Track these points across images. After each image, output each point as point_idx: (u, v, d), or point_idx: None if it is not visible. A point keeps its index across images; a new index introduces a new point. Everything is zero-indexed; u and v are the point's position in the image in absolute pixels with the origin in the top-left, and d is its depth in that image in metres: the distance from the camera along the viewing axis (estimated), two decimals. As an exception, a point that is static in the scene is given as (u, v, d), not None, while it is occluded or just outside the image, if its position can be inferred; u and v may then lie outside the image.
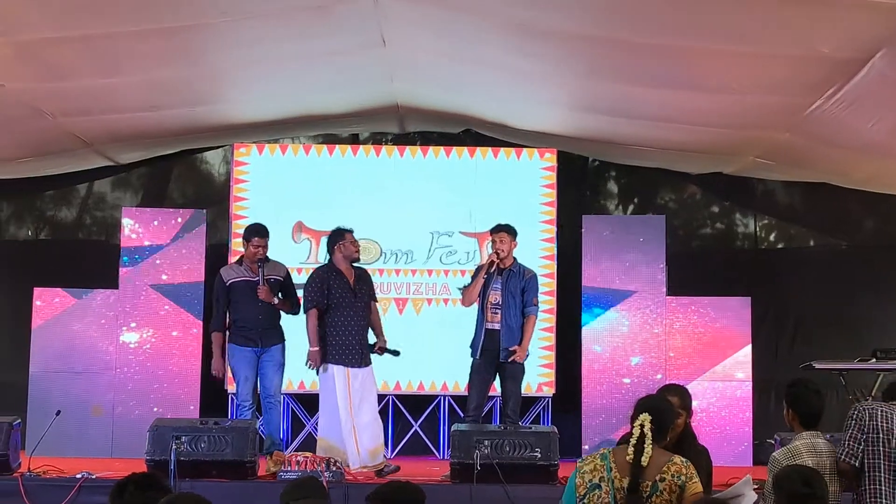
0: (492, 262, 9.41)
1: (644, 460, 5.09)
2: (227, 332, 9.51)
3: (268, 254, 9.59)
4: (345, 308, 9.26)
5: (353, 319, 9.26)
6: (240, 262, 9.62)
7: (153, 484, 4.63)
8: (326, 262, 9.53)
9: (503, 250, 9.40)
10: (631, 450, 5.14)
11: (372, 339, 9.47)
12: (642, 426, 5.18)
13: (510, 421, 9.23)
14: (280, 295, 9.53)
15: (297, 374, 10.64)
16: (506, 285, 9.38)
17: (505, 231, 9.46)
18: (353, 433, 9.08)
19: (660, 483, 5.09)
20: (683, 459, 5.20)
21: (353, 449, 9.03)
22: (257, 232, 9.56)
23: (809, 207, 12.51)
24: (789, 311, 12.19)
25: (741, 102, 9.26)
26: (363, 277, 9.47)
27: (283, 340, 9.54)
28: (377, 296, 9.71)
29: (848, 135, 9.46)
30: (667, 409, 5.43)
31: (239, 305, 9.44)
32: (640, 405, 5.34)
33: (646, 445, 5.12)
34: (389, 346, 9.47)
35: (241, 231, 11.27)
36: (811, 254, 12.59)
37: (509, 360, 9.28)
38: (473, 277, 9.58)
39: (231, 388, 11.27)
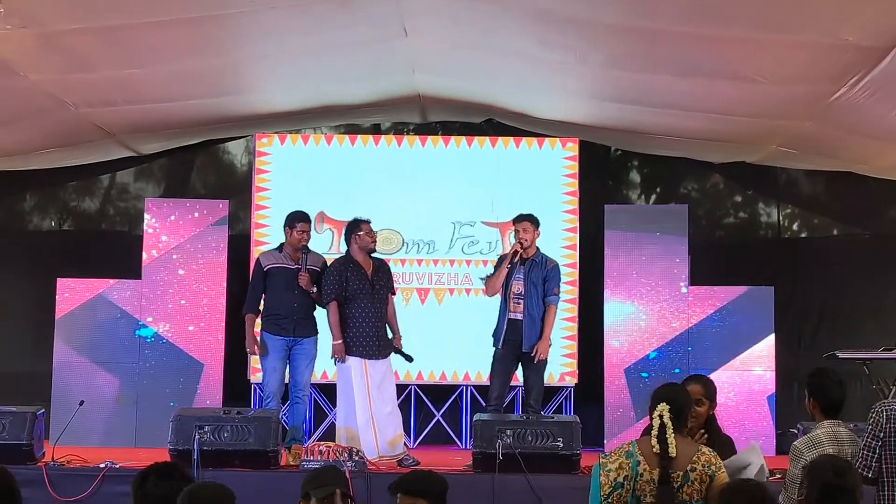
0: (515, 252, 9.39)
1: (672, 451, 5.09)
2: (260, 320, 9.50)
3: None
4: (362, 299, 9.25)
5: (371, 311, 9.24)
6: (280, 248, 9.59)
7: (175, 473, 4.65)
8: (344, 253, 9.53)
9: (526, 240, 9.38)
10: (655, 441, 5.14)
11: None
12: (661, 416, 5.18)
13: (532, 411, 9.22)
14: (315, 287, 9.47)
15: (320, 364, 10.64)
16: (528, 275, 9.36)
17: (528, 220, 9.45)
18: (371, 424, 9.08)
19: (691, 473, 5.10)
20: (711, 450, 5.20)
21: (371, 440, 9.03)
22: (302, 217, 9.55)
23: (833, 196, 12.45)
24: (812, 300, 12.15)
25: (764, 91, 9.22)
26: (382, 269, 9.45)
27: (317, 333, 9.51)
28: (399, 286, 9.70)
29: (872, 123, 9.42)
30: (683, 397, 5.43)
31: (275, 293, 9.42)
32: (657, 395, 5.34)
33: (668, 435, 5.11)
34: (408, 341, 9.44)
35: (263, 221, 11.42)
36: (835, 243, 12.54)
37: (534, 361, 9.28)
38: (496, 267, 9.57)
39: (255, 378, 11.32)
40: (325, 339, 9.42)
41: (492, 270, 9.70)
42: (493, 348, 9.48)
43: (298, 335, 9.39)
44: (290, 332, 9.36)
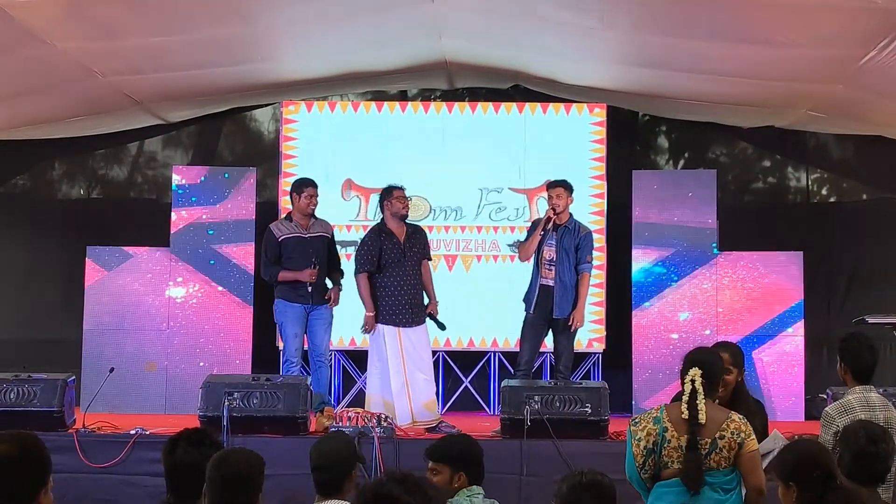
0: (548, 219, 9.37)
1: (701, 417, 5.07)
2: (275, 288, 9.55)
3: (317, 213, 9.62)
4: (394, 267, 9.26)
5: (403, 279, 9.25)
6: (288, 218, 9.64)
7: (205, 440, 4.68)
8: (379, 221, 9.54)
9: (559, 206, 9.36)
10: (685, 407, 5.12)
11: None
12: (693, 381, 5.16)
13: (561, 377, 9.25)
14: (315, 271, 9.54)
15: (348, 331, 10.69)
16: (560, 242, 9.36)
17: (562, 186, 9.43)
18: (405, 391, 9.11)
19: (719, 441, 5.08)
20: (742, 417, 5.18)
21: (405, 406, 9.07)
22: (308, 183, 9.63)
23: (862, 160, 12.37)
24: (842, 265, 12.10)
25: (794, 54, 9.15)
26: (416, 235, 9.44)
27: (330, 300, 9.62)
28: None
29: (902, 86, 9.35)
30: (715, 361, 5.40)
31: (291, 262, 9.49)
32: (689, 360, 5.32)
33: (699, 401, 5.10)
34: (441, 309, 9.45)
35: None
36: (864, 207, 12.46)
37: (570, 328, 9.28)
38: (529, 233, 9.57)
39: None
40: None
41: (524, 237, 9.70)
42: (525, 313, 9.48)
43: (316, 302, 9.51)
44: (307, 299, 9.45)
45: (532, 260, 9.47)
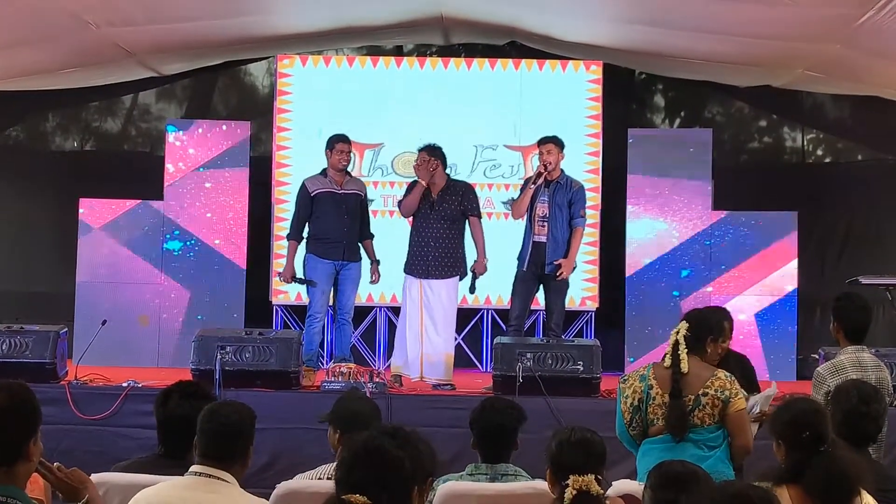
0: (539, 175, 9.35)
1: (683, 367, 5.07)
2: (306, 243, 9.52)
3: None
4: (420, 219, 9.29)
5: (426, 231, 9.24)
6: (323, 173, 9.58)
7: (197, 392, 4.68)
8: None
9: (550, 162, 9.33)
10: (668, 358, 5.13)
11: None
12: (678, 333, 5.17)
13: (553, 334, 9.24)
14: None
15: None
16: (553, 197, 9.32)
17: (552, 142, 9.39)
18: (419, 343, 9.11)
19: (702, 397, 5.08)
20: (728, 374, 5.17)
21: (416, 359, 9.11)
22: (341, 138, 9.56)
23: (858, 121, 12.35)
24: (836, 225, 12.10)
25: (791, 13, 9.11)
26: (453, 190, 9.34)
27: (361, 259, 9.60)
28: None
29: (900, 47, 9.32)
30: (708, 319, 5.39)
31: (323, 217, 9.45)
32: (685, 315, 5.33)
33: (681, 351, 5.10)
34: (483, 271, 9.38)
35: (285, 143, 11.41)
36: (859, 168, 12.46)
37: (557, 277, 9.26)
38: (522, 190, 9.54)
39: (276, 300, 11.37)
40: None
41: (517, 194, 9.67)
42: (517, 269, 9.47)
43: (347, 258, 9.46)
44: (339, 255, 9.44)
45: (525, 217, 9.44)
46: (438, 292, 9.21)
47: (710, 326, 5.37)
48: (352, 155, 9.75)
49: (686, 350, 5.12)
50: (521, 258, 9.44)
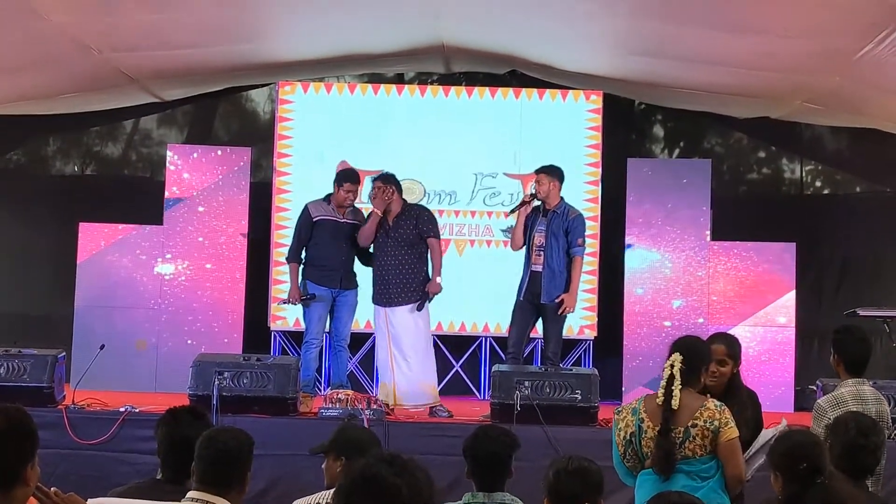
0: (524, 203, 9.40)
1: (674, 403, 5.05)
2: (303, 269, 9.54)
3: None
4: (377, 247, 9.39)
5: (384, 258, 9.31)
6: (327, 200, 9.61)
7: (203, 416, 4.68)
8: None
9: (541, 191, 9.36)
10: (661, 392, 5.11)
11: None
12: (672, 366, 5.15)
13: (551, 363, 9.24)
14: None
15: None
16: (549, 227, 9.35)
17: (544, 172, 9.41)
18: (390, 370, 9.16)
19: (692, 429, 5.05)
20: (718, 404, 5.14)
21: (388, 388, 9.13)
22: (348, 178, 9.59)
23: (857, 153, 12.38)
24: (834, 257, 12.11)
25: (791, 46, 9.15)
26: (408, 214, 9.41)
27: (357, 286, 9.62)
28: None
29: (898, 80, 9.36)
30: (699, 348, 5.35)
31: (322, 244, 9.48)
32: (674, 346, 5.30)
33: (674, 387, 5.08)
34: (436, 290, 9.39)
35: (285, 169, 11.44)
36: (857, 200, 12.48)
37: (559, 313, 9.25)
38: (510, 215, 9.62)
39: (274, 325, 11.38)
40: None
41: (504, 222, 9.71)
42: (516, 298, 9.49)
43: (344, 287, 9.49)
44: (336, 283, 9.47)
45: (525, 247, 9.47)
46: (402, 319, 9.26)
47: (702, 355, 5.34)
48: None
49: (681, 385, 5.10)
50: (519, 287, 9.46)
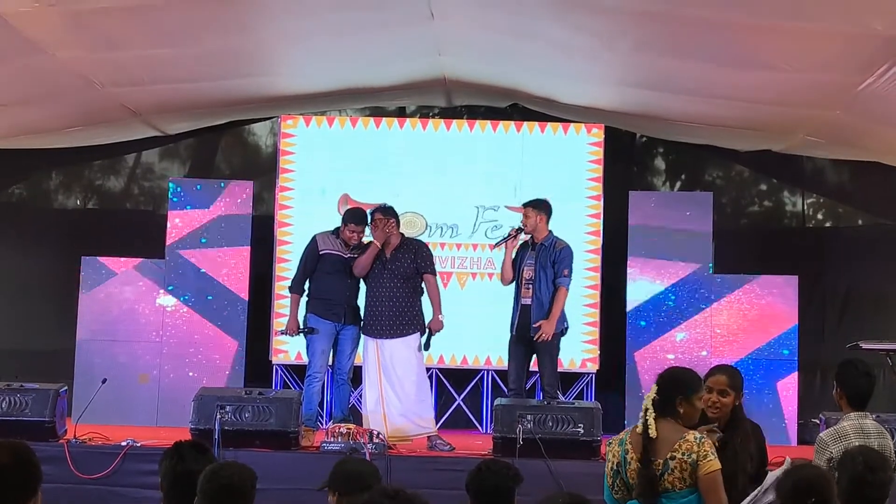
0: (509, 236, 9.42)
1: (651, 432, 5.04)
2: (306, 302, 9.54)
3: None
4: (372, 278, 9.37)
5: (379, 290, 9.32)
6: (335, 233, 9.62)
7: (207, 451, 4.67)
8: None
9: (526, 225, 9.39)
10: (640, 423, 5.12)
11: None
12: (648, 397, 5.16)
13: (548, 395, 9.23)
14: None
15: None
16: (538, 259, 9.37)
17: (530, 206, 9.45)
18: (381, 404, 9.14)
19: (671, 461, 5.04)
20: (697, 436, 5.10)
21: (379, 422, 9.10)
22: (354, 219, 9.57)
23: (858, 186, 12.39)
24: (837, 290, 12.11)
25: (792, 79, 9.17)
26: (406, 248, 9.44)
27: (361, 321, 9.58)
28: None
29: (900, 113, 9.37)
30: (675, 379, 5.30)
31: (328, 277, 9.46)
32: (658, 377, 5.30)
33: (647, 416, 5.08)
34: (438, 328, 9.42)
35: (287, 203, 11.47)
36: (859, 233, 12.49)
37: (535, 339, 9.24)
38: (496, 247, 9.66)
39: (276, 359, 11.37)
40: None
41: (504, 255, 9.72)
42: (509, 334, 9.50)
43: (347, 321, 9.47)
44: (340, 318, 9.45)
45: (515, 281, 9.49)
46: (393, 352, 9.26)
47: (677, 386, 5.29)
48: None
49: (654, 415, 5.09)
50: (511, 323, 9.46)
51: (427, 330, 9.37)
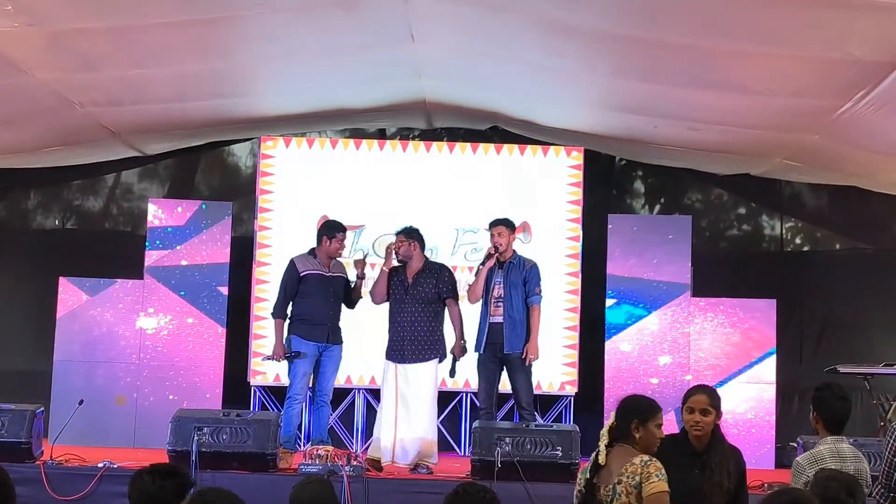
0: (489, 255, 9.43)
1: (601, 459, 5.10)
2: (289, 324, 9.51)
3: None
4: (395, 303, 9.39)
5: (401, 315, 9.32)
6: (312, 253, 9.60)
7: (173, 473, 4.64)
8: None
9: (501, 244, 9.43)
10: (598, 452, 5.19)
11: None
12: (607, 425, 5.22)
13: (526, 413, 9.24)
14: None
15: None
16: (507, 277, 9.40)
17: (503, 224, 9.51)
18: (393, 427, 9.11)
19: (618, 486, 5.07)
20: (644, 459, 5.11)
21: (389, 443, 9.09)
22: (341, 228, 9.61)
23: (836, 210, 12.44)
24: (815, 313, 12.14)
25: (770, 104, 9.22)
26: (429, 272, 9.44)
27: (342, 342, 9.59)
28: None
29: (878, 138, 9.42)
30: (630, 405, 5.35)
31: (310, 299, 9.45)
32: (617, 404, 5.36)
33: (600, 443, 5.13)
34: (461, 353, 9.47)
35: (266, 224, 11.43)
36: (837, 257, 12.53)
37: (525, 364, 9.27)
38: (476, 274, 9.61)
39: (254, 380, 11.33)
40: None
41: (472, 279, 9.75)
42: (476, 353, 9.49)
43: (330, 342, 9.46)
44: (323, 338, 9.42)
45: (482, 300, 9.50)
46: (414, 377, 9.24)
47: (631, 411, 5.31)
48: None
49: (607, 441, 5.15)
50: (478, 341, 9.49)
51: (452, 355, 9.39)
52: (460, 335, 9.43)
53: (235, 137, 12.54)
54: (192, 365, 11.23)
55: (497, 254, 9.44)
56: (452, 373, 9.48)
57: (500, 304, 9.38)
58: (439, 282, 9.40)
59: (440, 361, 9.37)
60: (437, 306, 9.41)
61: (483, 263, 9.47)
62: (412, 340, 9.26)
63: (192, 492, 4.28)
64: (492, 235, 9.53)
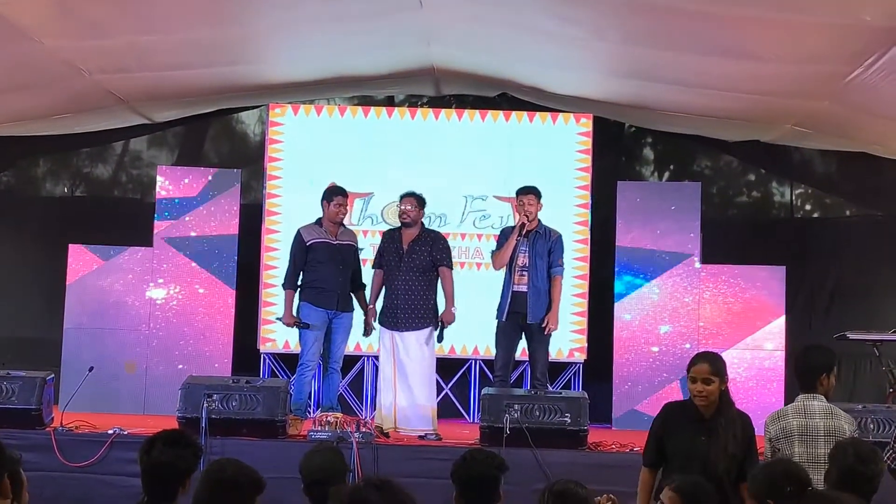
0: (522, 226, 9.39)
1: None
2: (300, 291, 9.53)
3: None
4: (390, 271, 9.37)
5: (396, 283, 9.30)
6: (318, 223, 9.61)
7: (181, 441, 4.66)
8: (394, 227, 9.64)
9: (531, 213, 9.39)
10: None
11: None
12: None
13: (539, 384, 9.25)
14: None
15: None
16: (532, 247, 9.37)
17: (532, 193, 9.45)
18: (392, 394, 9.13)
19: None
20: None
21: (390, 411, 9.12)
22: (339, 191, 9.63)
23: (846, 177, 12.40)
24: (824, 281, 12.12)
25: (780, 70, 9.18)
26: (424, 240, 9.42)
27: (353, 309, 9.62)
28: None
29: (887, 104, 9.38)
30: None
31: (318, 266, 9.46)
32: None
33: None
34: (451, 321, 9.42)
35: (275, 191, 11.42)
36: (847, 224, 12.50)
37: (545, 333, 9.28)
38: (500, 242, 9.57)
39: (264, 347, 11.35)
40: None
41: (495, 245, 9.71)
42: (497, 321, 9.48)
43: (341, 309, 9.48)
44: (333, 305, 9.44)
45: (505, 268, 9.48)
46: (409, 345, 9.24)
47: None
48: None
49: None
50: (500, 309, 9.46)
51: (440, 322, 9.37)
52: (451, 302, 9.40)
53: (244, 105, 12.52)
54: (201, 334, 11.24)
55: (528, 222, 9.40)
56: (441, 338, 9.44)
57: (525, 272, 9.37)
58: (434, 249, 9.39)
59: (434, 329, 9.37)
60: (432, 274, 9.39)
61: (519, 234, 9.39)
62: (406, 308, 9.26)
63: (204, 461, 4.30)
64: (521, 204, 9.47)
